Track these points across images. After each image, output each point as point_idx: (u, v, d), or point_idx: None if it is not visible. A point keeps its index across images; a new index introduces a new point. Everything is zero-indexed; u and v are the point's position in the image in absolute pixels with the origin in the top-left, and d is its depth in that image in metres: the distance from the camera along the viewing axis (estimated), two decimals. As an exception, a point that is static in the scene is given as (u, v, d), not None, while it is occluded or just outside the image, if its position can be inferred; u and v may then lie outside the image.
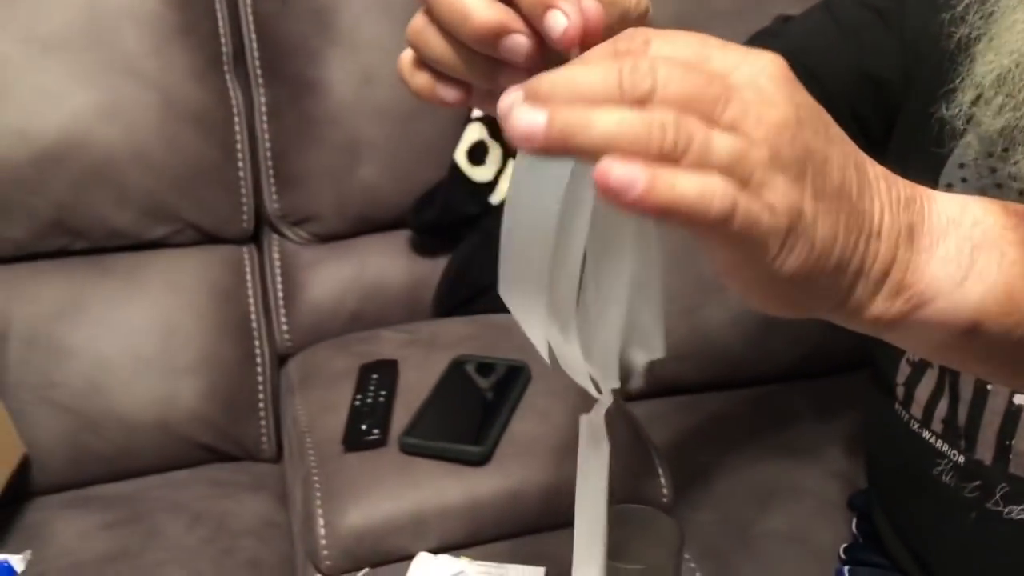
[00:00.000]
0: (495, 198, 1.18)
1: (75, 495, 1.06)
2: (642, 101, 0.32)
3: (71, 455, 1.06)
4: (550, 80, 0.32)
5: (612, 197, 0.30)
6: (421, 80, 0.43)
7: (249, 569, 0.94)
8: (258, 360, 1.15)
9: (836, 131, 0.35)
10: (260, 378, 1.15)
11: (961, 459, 0.69)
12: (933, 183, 0.67)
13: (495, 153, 1.16)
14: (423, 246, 1.20)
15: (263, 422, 1.14)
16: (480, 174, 1.16)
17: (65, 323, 1.08)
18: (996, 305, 0.38)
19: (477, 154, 1.16)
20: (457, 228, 1.18)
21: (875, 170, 0.37)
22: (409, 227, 1.19)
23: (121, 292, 1.11)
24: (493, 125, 1.15)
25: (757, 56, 0.34)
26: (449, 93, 0.43)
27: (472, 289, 1.18)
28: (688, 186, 0.31)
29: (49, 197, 1.07)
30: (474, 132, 1.15)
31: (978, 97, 0.64)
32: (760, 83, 0.33)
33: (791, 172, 0.33)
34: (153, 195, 1.11)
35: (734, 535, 1.00)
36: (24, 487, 1.04)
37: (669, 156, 0.31)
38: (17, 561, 0.86)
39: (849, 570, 0.85)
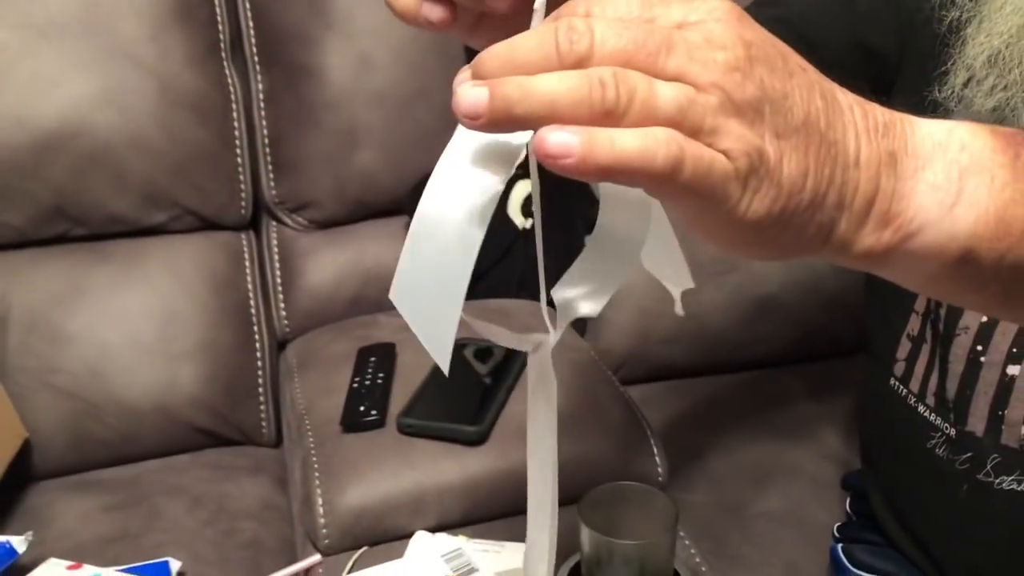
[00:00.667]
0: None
1: (76, 479, 1.06)
2: (581, 61, 0.31)
3: (72, 440, 1.07)
4: (492, 55, 0.32)
5: (551, 165, 0.30)
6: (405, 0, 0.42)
7: (249, 550, 0.95)
8: (257, 345, 1.16)
9: (796, 62, 0.34)
10: (259, 363, 1.16)
11: (953, 432, 0.70)
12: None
13: (491, 138, 1.17)
14: (420, 231, 1.21)
15: (262, 407, 1.15)
16: (477, 159, 1.17)
17: (65, 309, 1.09)
18: (988, 230, 0.37)
19: (474, 139, 1.16)
20: (454, 213, 1.19)
21: (847, 98, 0.36)
22: (407, 213, 1.19)
23: (120, 278, 1.12)
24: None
25: (703, 1, 0.33)
26: (434, 12, 0.43)
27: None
28: (628, 143, 0.30)
29: (48, 183, 1.08)
30: (470, 118, 1.15)
31: (969, 79, 0.64)
32: (707, 27, 0.32)
33: (746, 114, 0.32)
34: (151, 181, 1.11)
35: (729, 515, 1.01)
36: (25, 471, 1.05)
37: (613, 113, 0.31)
38: (18, 542, 0.87)
39: (843, 548, 0.86)
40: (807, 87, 0.34)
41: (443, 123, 1.17)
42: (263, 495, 1.04)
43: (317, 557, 0.82)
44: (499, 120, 0.31)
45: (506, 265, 1.18)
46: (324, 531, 0.84)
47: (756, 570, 0.95)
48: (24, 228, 1.10)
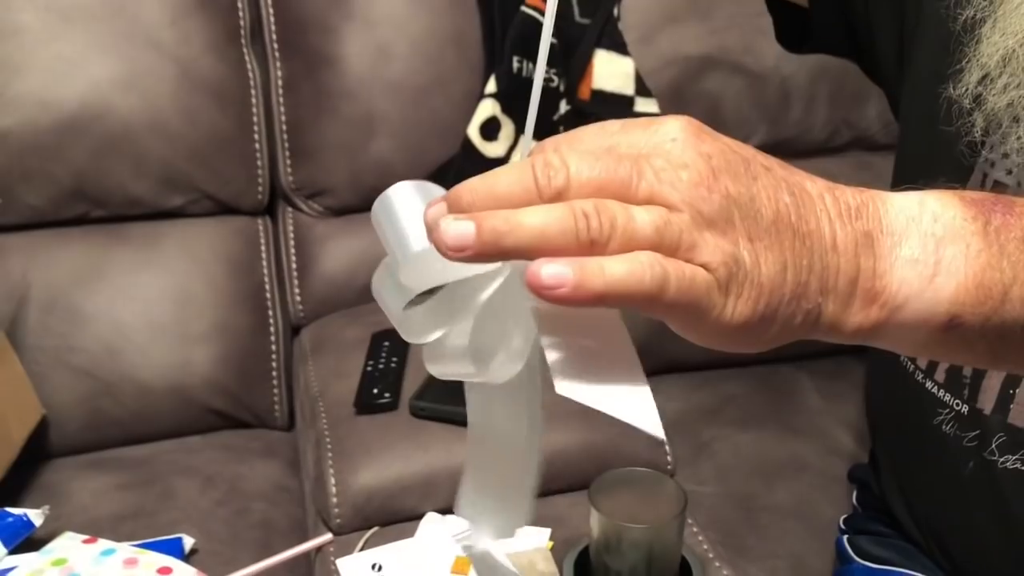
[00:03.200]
0: (506, 174, 1.19)
1: (91, 457, 1.08)
2: (559, 194, 0.33)
3: (88, 418, 1.08)
4: (469, 188, 0.34)
5: (546, 296, 0.32)
6: None
7: (260, 530, 0.96)
8: (271, 330, 1.17)
9: (759, 164, 0.36)
10: (273, 348, 1.17)
11: (964, 408, 0.70)
12: (948, 156, 0.68)
13: (508, 129, 1.18)
14: (435, 221, 1.22)
15: (276, 391, 1.16)
16: (493, 150, 1.18)
17: (83, 289, 1.11)
18: (970, 297, 0.38)
19: (490, 130, 1.17)
20: (468, 202, 1.20)
21: (816, 186, 0.37)
22: (421, 201, 1.20)
23: (138, 260, 1.13)
24: (506, 101, 1.16)
25: (659, 124, 0.35)
26: None
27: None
28: (617, 269, 0.32)
29: (69, 165, 1.09)
30: (487, 108, 1.16)
31: (984, 76, 0.65)
32: (666, 148, 0.34)
33: (717, 224, 0.34)
34: (170, 165, 1.13)
35: (737, 507, 1.02)
36: (42, 449, 1.07)
37: (597, 242, 0.32)
38: (35, 515, 0.88)
39: (848, 539, 0.86)
40: (773, 186, 0.36)
41: (459, 113, 1.18)
42: (275, 477, 1.05)
43: (328, 536, 0.84)
44: (487, 252, 0.32)
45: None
46: (336, 510, 0.86)
47: (763, 561, 0.96)
48: (44, 209, 1.11)
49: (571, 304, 0.32)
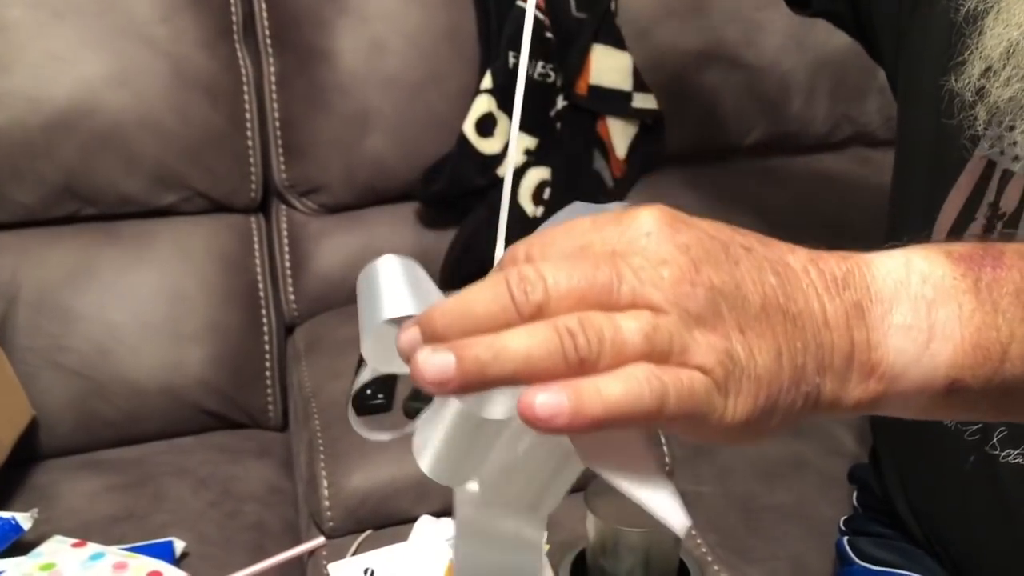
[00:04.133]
0: (503, 171, 1.18)
1: (82, 459, 1.06)
2: (540, 310, 0.31)
3: (79, 419, 1.07)
4: (443, 312, 0.32)
5: (543, 428, 0.30)
6: None
7: (253, 532, 0.95)
8: (265, 329, 1.16)
9: (739, 245, 0.34)
10: (267, 347, 1.16)
11: None
12: (950, 149, 0.67)
13: (503, 125, 1.16)
14: (431, 218, 1.21)
15: (269, 390, 1.15)
16: (488, 146, 1.16)
17: (74, 288, 1.09)
18: (968, 359, 0.37)
19: (485, 126, 1.16)
20: (465, 200, 1.19)
21: (799, 259, 0.35)
22: (417, 199, 1.19)
23: (129, 259, 1.12)
24: (502, 97, 1.15)
25: (631, 218, 0.34)
26: None
27: (479, 263, 1.18)
28: (613, 389, 0.30)
29: (59, 163, 1.08)
30: (483, 104, 1.15)
31: (987, 69, 0.64)
32: (642, 245, 0.33)
33: (706, 320, 0.32)
34: (162, 162, 1.11)
35: (737, 509, 1.01)
36: (32, 450, 1.05)
37: (587, 361, 0.31)
38: (24, 519, 0.87)
39: (848, 540, 0.85)
40: (756, 269, 0.34)
41: (455, 109, 1.16)
42: (268, 478, 1.04)
43: (321, 539, 0.82)
44: (471, 385, 0.31)
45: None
46: (328, 513, 0.84)
47: (762, 563, 0.95)
48: (34, 207, 1.10)
49: (567, 433, 0.30)
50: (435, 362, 0.31)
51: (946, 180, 0.67)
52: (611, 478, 0.34)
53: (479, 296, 0.32)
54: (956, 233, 0.66)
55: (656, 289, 0.32)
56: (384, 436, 0.41)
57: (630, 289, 0.32)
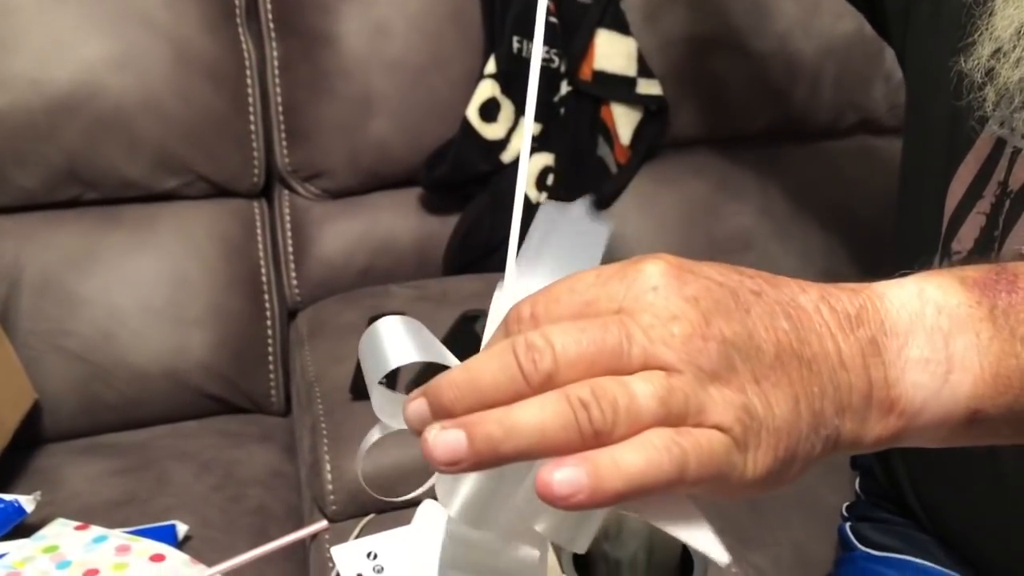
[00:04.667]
0: (506, 156, 1.17)
1: (85, 443, 1.06)
2: (549, 379, 0.31)
3: (81, 403, 1.07)
4: (450, 384, 0.31)
5: (563, 505, 0.29)
6: None
7: (255, 516, 0.95)
8: (267, 314, 1.16)
9: (748, 291, 0.34)
10: (269, 332, 1.15)
11: None
12: (959, 129, 0.66)
13: (507, 110, 1.16)
14: (434, 203, 1.20)
15: (272, 375, 1.15)
16: (492, 131, 1.16)
17: (77, 272, 1.09)
18: (988, 389, 0.36)
19: (489, 111, 1.15)
20: (468, 186, 1.18)
21: (810, 299, 0.35)
22: (420, 184, 1.19)
23: (132, 243, 1.12)
24: (506, 82, 1.14)
25: (636, 272, 0.33)
26: None
27: (482, 248, 1.18)
28: (632, 460, 0.30)
29: (61, 146, 1.07)
30: (486, 89, 1.14)
31: (997, 50, 0.63)
32: (649, 300, 0.32)
33: (721, 375, 0.32)
34: (164, 146, 1.11)
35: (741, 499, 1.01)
36: (35, 434, 1.05)
37: (602, 432, 0.30)
38: (27, 501, 0.87)
39: (851, 526, 0.85)
40: (768, 314, 0.33)
41: (458, 94, 1.16)
42: (271, 463, 1.04)
43: (324, 523, 0.82)
44: (484, 463, 0.30)
45: (521, 238, 1.17)
46: (331, 497, 0.84)
47: (765, 549, 0.95)
48: (37, 191, 1.09)
49: (591, 508, 0.29)
50: (446, 441, 0.30)
51: (955, 159, 0.67)
52: (649, 519, 0.33)
53: (487, 367, 0.31)
54: (963, 211, 0.66)
55: (668, 348, 0.31)
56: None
57: (641, 350, 0.31)
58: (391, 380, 0.95)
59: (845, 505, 0.90)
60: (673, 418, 0.31)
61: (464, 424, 0.30)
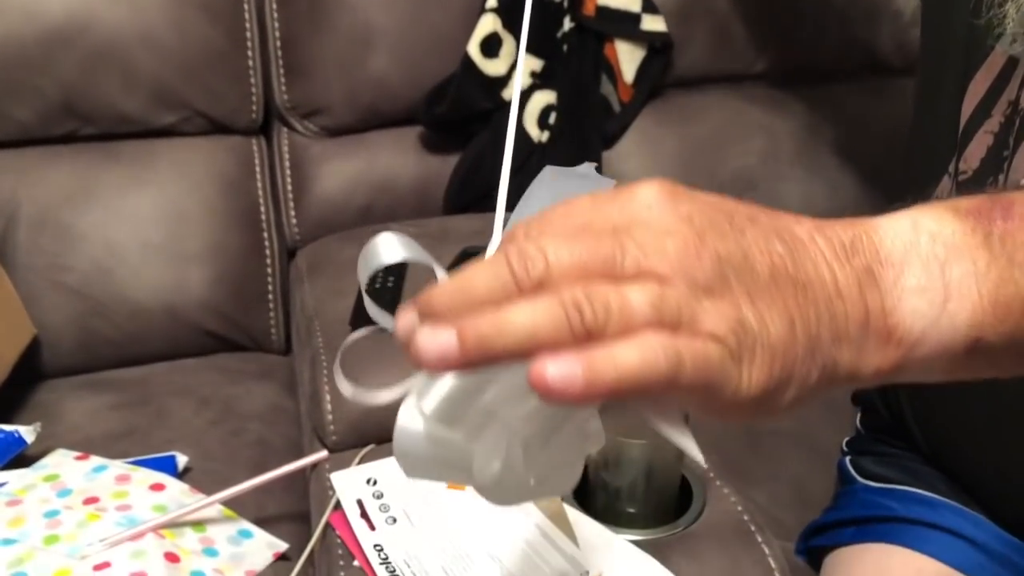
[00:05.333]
0: (508, 93, 1.16)
1: (85, 379, 1.06)
2: (541, 284, 0.30)
3: (80, 339, 1.07)
4: (442, 292, 0.31)
5: (557, 397, 0.29)
6: None
7: (255, 449, 0.95)
8: (267, 252, 1.15)
9: (743, 215, 0.33)
10: (269, 270, 1.15)
11: None
12: (976, 49, 0.65)
13: (509, 46, 1.14)
14: (434, 142, 1.19)
15: (272, 313, 1.14)
16: (493, 67, 1.14)
17: (74, 208, 1.08)
18: (988, 317, 0.35)
19: (490, 46, 1.13)
20: (469, 123, 1.17)
21: (804, 228, 0.35)
22: (420, 121, 1.17)
23: (130, 179, 1.11)
24: (508, 16, 1.12)
25: (630, 194, 0.33)
26: None
27: (483, 187, 1.17)
28: (627, 356, 0.29)
29: (56, 78, 1.06)
30: (488, 23, 1.12)
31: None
32: (644, 217, 0.32)
33: (715, 289, 0.31)
34: (161, 80, 1.09)
35: (740, 434, 1.01)
36: (34, 369, 1.05)
37: (594, 332, 0.30)
38: (27, 432, 0.87)
39: (851, 460, 0.85)
40: (762, 238, 0.33)
41: (459, 28, 1.14)
42: (271, 399, 1.04)
43: (324, 453, 0.82)
44: (474, 361, 0.30)
45: (521, 178, 1.16)
46: (331, 427, 0.84)
47: (763, 484, 0.95)
48: (32, 125, 1.08)
49: (582, 403, 0.29)
50: (436, 340, 0.30)
51: (968, 79, 0.66)
52: (642, 412, 0.33)
53: (479, 276, 0.31)
54: (971, 130, 0.65)
55: (661, 260, 0.31)
56: (376, 399, 0.40)
57: (634, 261, 0.31)
58: (389, 294, 0.95)
59: (845, 440, 0.90)
60: (666, 325, 0.30)
61: (455, 324, 0.30)
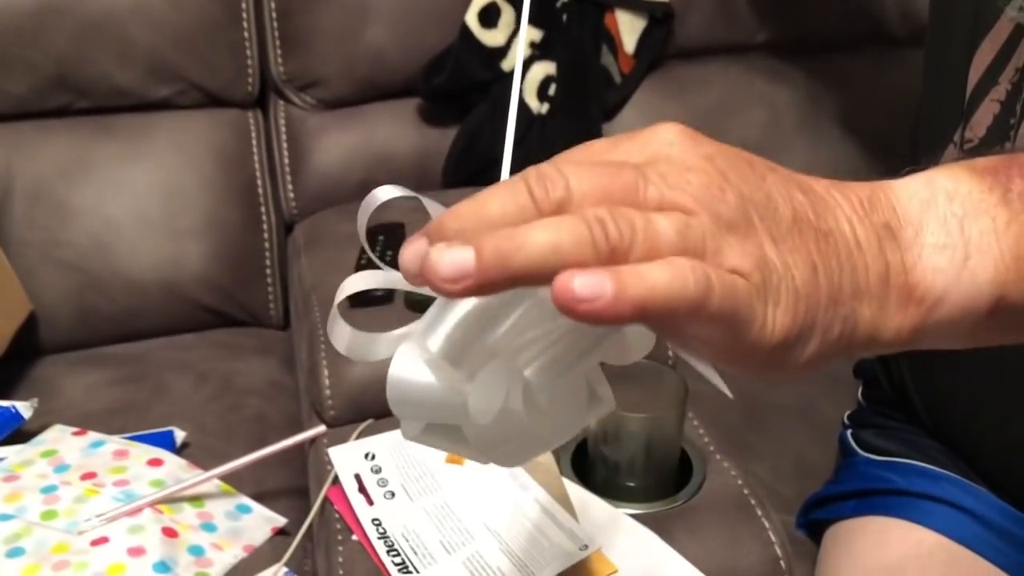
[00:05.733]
0: (507, 64, 1.14)
1: (82, 354, 1.06)
2: (561, 206, 0.29)
3: (77, 314, 1.06)
4: (455, 215, 0.29)
5: (582, 312, 0.27)
6: None
7: (254, 424, 0.95)
8: (264, 226, 1.14)
9: (763, 165, 0.33)
10: (267, 244, 1.14)
11: None
12: (985, 15, 0.64)
13: (508, 16, 1.12)
14: (433, 114, 1.18)
15: (270, 288, 1.14)
16: (491, 38, 1.13)
17: (69, 182, 1.07)
18: (1010, 273, 0.34)
19: (489, 16, 1.12)
20: (468, 95, 1.15)
21: (821, 184, 0.34)
22: (418, 93, 1.16)
23: (125, 152, 1.10)
24: (506, -15, 1.11)
25: (650, 133, 0.32)
26: None
27: (482, 160, 1.16)
28: (658, 274, 0.28)
29: (50, 51, 1.04)
30: (486, -8, 1.11)
31: None
32: (666, 153, 0.31)
33: (739, 227, 0.30)
34: (156, 53, 1.08)
35: (741, 407, 1.00)
36: (32, 344, 1.05)
37: (618, 250, 0.28)
38: (24, 407, 0.87)
39: (852, 433, 0.85)
40: (783, 184, 0.32)
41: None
42: (270, 374, 1.03)
43: (322, 428, 0.82)
44: (491, 279, 0.28)
45: (521, 150, 1.15)
46: (329, 402, 0.84)
47: (765, 459, 0.95)
48: (26, 98, 1.07)
49: (607, 321, 0.27)
50: (452, 257, 0.28)
51: (975, 46, 0.64)
52: (669, 338, 0.32)
53: (495, 197, 0.29)
54: (977, 98, 0.64)
55: (684, 192, 0.30)
56: (372, 353, 0.38)
57: (657, 191, 0.30)
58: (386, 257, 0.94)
59: (847, 413, 0.89)
60: (691, 254, 0.29)
61: (472, 241, 0.28)
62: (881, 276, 0.33)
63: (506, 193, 0.29)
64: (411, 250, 0.30)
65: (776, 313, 0.30)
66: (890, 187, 0.35)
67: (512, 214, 0.29)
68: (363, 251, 0.98)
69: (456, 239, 0.29)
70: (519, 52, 0.40)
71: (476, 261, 0.28)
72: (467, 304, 0.33)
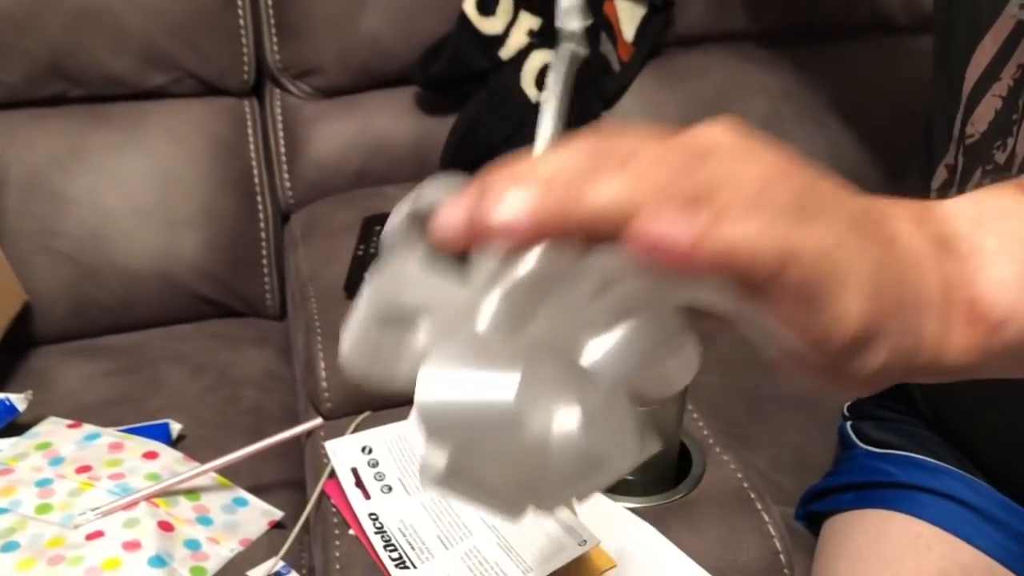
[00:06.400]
0: (504, 52, 1.13)
1: (77, 345, 1.05)
2: (624, 163, 0.26)
3: (72, 304, 1.06)
4: (505, 176, 0.26)
5: (663, 255, 0.25)
6: None
7: (250, 416, 0.94)
8: (260, 216, 1.13)
9: (811, 167, 0.30)
10: (263, 234, 1.13)
11: None
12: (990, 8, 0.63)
13: (505, 3, 1.11)
14: (430, 103, 1.17)
15: (266, 278, 1.13)
16: (489, 26, 1.12)
17: (64, 171, 1.06)
18: None
19: (487, 4, 1.11)
20: (465, 83, 1.14)
21: (870, 198, 0.31)
22: (415, 82, 1.15)
23: (120, 141, 1.09)
24: (504, -27, 1.10)
25: (709, 124, 0.29)
26: None
27: (480, 149, 1.15)
28: (742, 225, 0.25)
29: (43, 39, 1.03)
30: (484, -20, 1.10)
31: None
32: (726, 141, 0.28)
33: (807, 211, 0.27)
34: (150, 40, 1.07)
35: (739, 398, 1.00)
36: (26, 335, 1.04)
37: (700, 199, 0.25)
38: (18, 399, 0.86)
39: (851, 425, 0.84)
40: (840, 185, 0.30)
41: (455, -14, 1.11)
42: (266, 365, 1.03)
43: (319, 420, 0.81)
44: (550, 227, 0.25)
45: (518, 139, 1.14)
46: (326, 395, 0.83)
47: (764, 450, 0.94)
48: (20, 86, 1.06)
49: (685, 269, 0.25)
50: (508, 199, 0.25)
51: (976, 42, 0.64)
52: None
53: (550, 155, 0.26)
54: (979, 94, 0.63)
55: (745, 178, 0.27)
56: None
57: (720, 166, 0.27)
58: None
59: (847, 405, 0.89)
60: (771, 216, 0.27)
61: (529, 187, 0.25)
62: (941, 288, 0.31)
63: (566, 153, 0.26)
64: (451, 212, 0.26)
65: (852, 300, 0.28)
66: (938, 204, 0.33)
67: (570, 170, 0.26)
68: (359, 241, 0.97)
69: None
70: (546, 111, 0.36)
71: (537, 203, 0.25)
72: (515, 275, 0.28)
